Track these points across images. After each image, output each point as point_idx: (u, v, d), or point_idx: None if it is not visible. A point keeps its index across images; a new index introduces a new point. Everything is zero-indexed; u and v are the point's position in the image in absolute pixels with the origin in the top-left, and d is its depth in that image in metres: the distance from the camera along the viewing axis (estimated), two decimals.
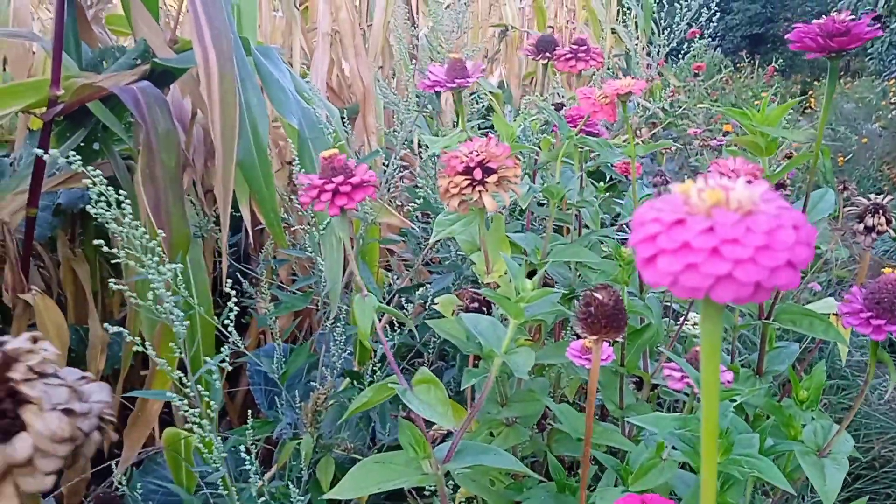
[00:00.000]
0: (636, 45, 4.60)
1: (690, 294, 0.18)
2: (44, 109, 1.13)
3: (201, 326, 1.07)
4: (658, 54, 2.00)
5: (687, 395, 0.65)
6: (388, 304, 1.12)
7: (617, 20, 4.86)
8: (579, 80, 0.84)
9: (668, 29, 2.25)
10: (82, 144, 1.26)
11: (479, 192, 0.61)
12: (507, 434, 0.70)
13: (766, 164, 0.72)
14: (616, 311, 0.42)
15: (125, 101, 1.01)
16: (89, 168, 0.77)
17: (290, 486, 0.81)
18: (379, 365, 0.94)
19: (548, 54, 0.82)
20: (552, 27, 3.71)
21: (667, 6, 2.49)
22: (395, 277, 1.13)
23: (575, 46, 0.79)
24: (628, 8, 5.50)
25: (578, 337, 0.68)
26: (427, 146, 1.03)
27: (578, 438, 0.63)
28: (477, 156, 0.62)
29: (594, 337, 0.43)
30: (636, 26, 5.19)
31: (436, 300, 0.81)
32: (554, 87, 0.95)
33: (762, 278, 0.17)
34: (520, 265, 0.52)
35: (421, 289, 0.94)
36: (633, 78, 0.66)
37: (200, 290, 1.13)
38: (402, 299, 1.17)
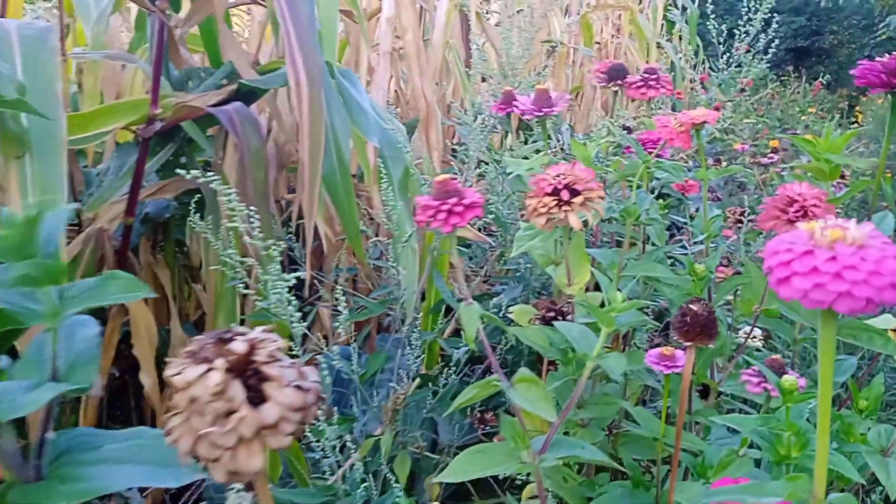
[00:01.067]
0: (680, 58, 4.62)
1: (816, 305, 0.24)
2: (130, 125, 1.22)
3: (278, 330, 1.15)
4: (719, 72, 2.03)
5: (756, 401, 0.70)
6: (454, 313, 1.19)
7: (661, 34, 4.88)
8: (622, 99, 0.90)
9: (727, 51, 2.27)
10: (170, 158, 1.36)
11: (566, 211, 0.67)
12: (583, 434, 0.76)
13: (829, 188, 0.77)
14: (709, 321, 0.48)
15: (222, 121, 1.10)
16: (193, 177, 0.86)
17: (369, 478, 0.88)
18: (454, 369, 1.01)
19: (619, 82, 0.89)
20: (598, 42, 3.76)
21: (713, 22, 2.52)
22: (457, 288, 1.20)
23: (646, 75, 0.86)
24: (673, 22, 5.51)
25: (653, 346, 0.73)
26: (503, 165, 1.10)
27: (654, 438, 0.68)
28: (563, 178, 0.68)
29: (689, 343, 0.49)
30: (680, 39, 5.21)
31: (510, 309, 0.88)
32: (618, 110, 1.01)
33: (872, 295, 0.23)
34: (610, 280, 0.58)
35: (494, 298, 1.01)
36: (705, 109, 0.71)
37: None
38: None
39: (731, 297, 0.87)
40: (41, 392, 0.36)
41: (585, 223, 0.69)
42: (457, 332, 1.22)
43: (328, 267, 1.49)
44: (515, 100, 1.03)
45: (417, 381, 1.05)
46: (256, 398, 0.32)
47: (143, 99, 1.18)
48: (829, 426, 0.29)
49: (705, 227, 0.78)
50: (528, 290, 1.10)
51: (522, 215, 1.09)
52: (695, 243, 0.82)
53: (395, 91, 2.17)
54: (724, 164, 3.15)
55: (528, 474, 0.70)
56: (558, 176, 0.68)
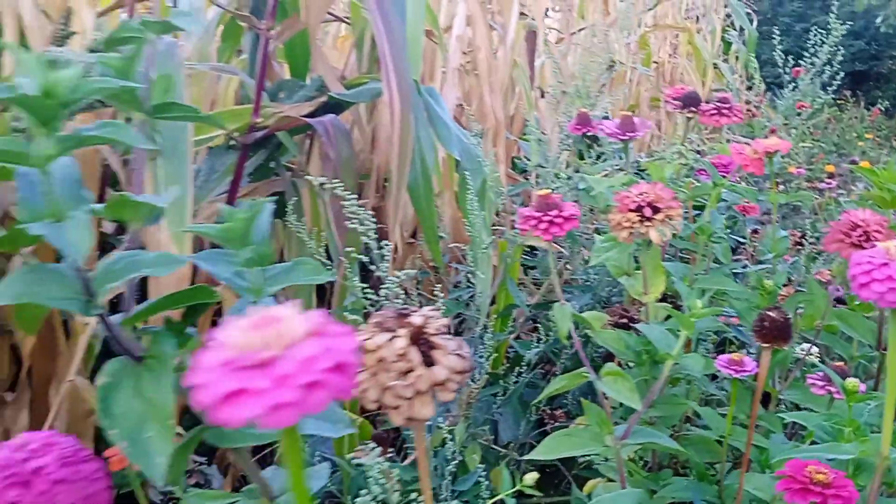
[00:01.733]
0: (735, 78, 4.62)
1: (890, 305, 0.32)
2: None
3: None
4: (783, 99, 2.08)
5: (812, 409, 0.77)
6: (525, 319, 1.27)
7: (718, 55, 4.89)
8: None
9: (787, 74, 2.30)
10: (261, 162, 1.47)
11: (647, 227, 0.75)
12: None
13: (889, 215, 0.83)
14: (785, 325, 0.55)
15: (319, 131, 1.21)
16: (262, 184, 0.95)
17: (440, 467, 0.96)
18: (525, 368, 1.09)
19: (693, 109, 0.96)
20: (656, 62, 3.81)
21: (778, 49, 2.55)
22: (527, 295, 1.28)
23: (720, 103, 0.93)
24: (729, 43, 5.50)
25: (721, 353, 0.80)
26: (574, 181, 1.17)
27: (720, 436, 0.75)
28: (646, 197, 0.76)
29: (766, 345, 0.57)
30: (736, 60, 5.20)
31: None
32: (689, 136, 1.07)
33: None
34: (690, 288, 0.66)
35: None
36: (779, 138, 0.78)
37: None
38: (534, 315, 1.31)
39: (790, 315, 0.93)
40: None
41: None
42: (534, 330, 1.30)
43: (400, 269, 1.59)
44: (590, 121, 1.11)
45: (486, 378, 1.14)
46: (428, 361, 0.41)
47: (247, 108, 1.29)
48: (895, 397, 0.36)
49: (773, 247, 0.85)
50: (595, 298, 1.17)
51: (596, 229, 1.17)
52: (760, 262, 0.89)
53: (457, 105, 2.26)
54: (781, 186, 3.17)
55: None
56: (641, 194, 0.76)
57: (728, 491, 0.76)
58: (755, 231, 1.53)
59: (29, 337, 1.06)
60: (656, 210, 0.75)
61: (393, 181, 1.14)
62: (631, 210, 0.75)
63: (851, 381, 0.54)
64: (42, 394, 1.12)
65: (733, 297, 0.80)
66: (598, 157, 1.24)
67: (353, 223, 0.80)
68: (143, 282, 0.96)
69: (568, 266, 1.26)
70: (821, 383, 0.66)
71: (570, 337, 0.68)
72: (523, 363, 1.10)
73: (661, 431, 0.83)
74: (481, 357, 1.13)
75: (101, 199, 1.22)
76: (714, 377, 1.05)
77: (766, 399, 0.90)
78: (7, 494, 0.28)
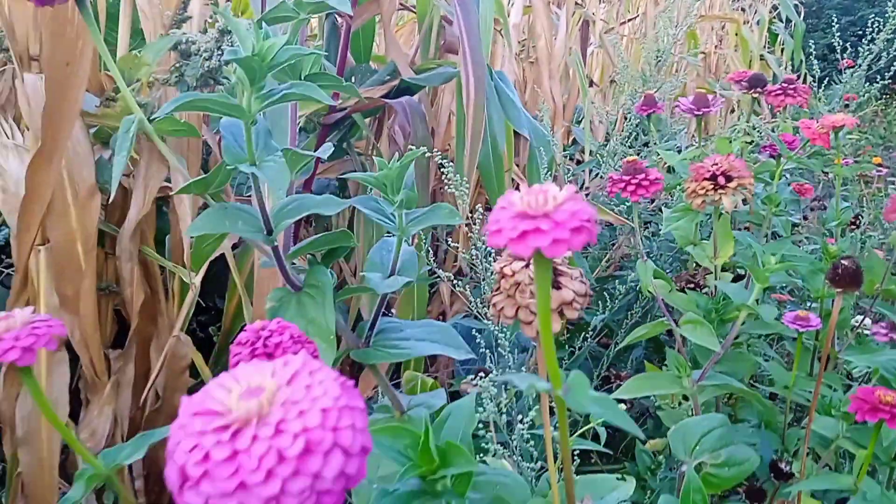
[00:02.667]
0: (782, 70, 4.60)
1: None
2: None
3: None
4: (839, 85, 2.11)
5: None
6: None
7: (764, 47, 4.86)
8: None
9: (823, 58, 2.33)
10: (335, 143, 1.56)
11: (721, 194, 0.82)
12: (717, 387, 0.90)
13: None
14: (857, 272, 0.61)
15: (399, 111, 1.29)
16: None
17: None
18: (591, 333, 1.16)
19: (759, 89, 1.02)
20: (703, 52, 3.82)
21: (837, 39, 2.57)
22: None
23: (786, 84, 0.98)
24: (776, 34, 5.46)
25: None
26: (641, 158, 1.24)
27: (785, 387, 0.82)
28: (719, 167, 0.82)
29: (839, 290, 0.63)
30: (781, 52, 5.16)
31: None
32: (753, 116, 1.13)
33: None
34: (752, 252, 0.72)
35: (632, 275, 1.16)
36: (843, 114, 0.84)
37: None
38: (596, 287, 1.38)
39: None
40: (395, 280, 0.54)
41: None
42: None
43: (456, 237, 1.66)
44: (656, 103, 1.17)
45: None
46: (556, 285, 0.49)
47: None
48: None
49: (837, 216, 0.91)
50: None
51: (658, 207, 1.23)
52: (826, 228, 0.94)
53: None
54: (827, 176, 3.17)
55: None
56: (715, 164, 0.82)
57: (790, 439, 0.83)
58: (811, 209, 1.58)
59: (138, 296, 1.16)
60: (729, 179, 0.81)
61: (466, 158, 1.22)
62: (705, 179, 0.82)
63: None
64: (144, 350, 1.23)
65: (798, 262, 0.86)
66: (660, 140, 1.30)
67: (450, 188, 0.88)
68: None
69: (630, 240, 1.32)
70: (884, 331, 0.72)
71: (649, 292, 0.76)
72: (589, 329, 1.17)
73: (728, 387, 0.90)
74: None
75: (204, 167, 1.32)
76: (772, 342, 1.11)
77: (826, 362, 0.96)
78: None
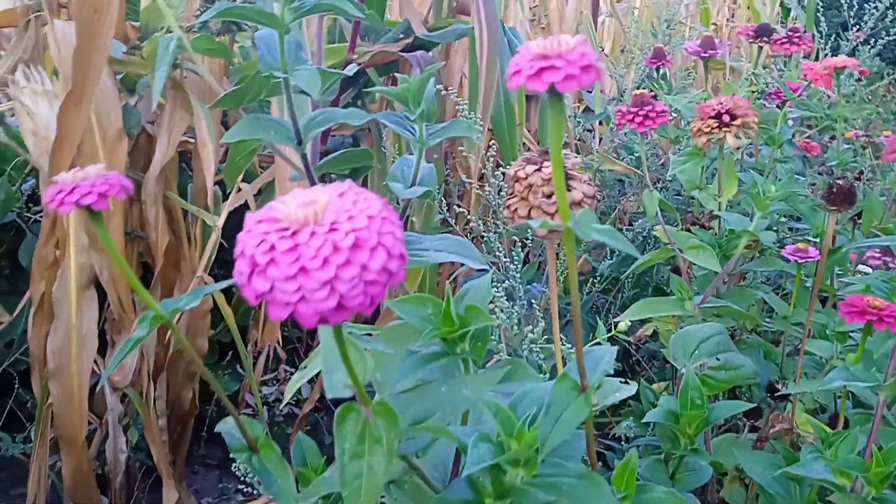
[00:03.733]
0: None
1: None
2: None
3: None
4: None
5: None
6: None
7: (777, 21, 4.84)
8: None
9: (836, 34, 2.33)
10: (350, 100, 1.60)
11: (725, 132, 0.85)
12: (720, 321, 0.94)
13: None
14: (850, 191, 0.64)
15: (414, 64, 1.32)
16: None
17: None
18: (599, 278, 1.20)
19: (765, 38, 1.05)
20: (714, 24, 3.81)
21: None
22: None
23: (791, 33, 1.01)
24: (788, 9, 5.43)
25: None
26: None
27: (783, 317, 0.85)
28: (724, 105, 0.86)
29: (833, 208, 0.66)
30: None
31: (656, 228, 1.06)
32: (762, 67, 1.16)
33: None
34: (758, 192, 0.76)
35: (638, 222, 1.19)
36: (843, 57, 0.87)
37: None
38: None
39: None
40: (416, 189, 0.58)
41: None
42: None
43: (467, 201, 1.70)
44: (665, 56, 1.20)
45: (561, 287, 1.25)
46: (567, 188, 0.53)
47: (343, 46, 1.41)
48: None
49: (838, 156, 0.94)
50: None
51: (662, 163, 1.26)
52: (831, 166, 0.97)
53: None
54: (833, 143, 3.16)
55: None
56: (720, 103, 0.85)
57: (787, 368, 0.87)
58: (818, 174, 1.61)
59: (163, 239, 1.21)
60: (734, 117, 0.85)
61: (479, 111, 1.25)
62: (711, 117, 0.85)
63: None
64: (168, 294, 1.28)
65: (799, 202, 0.89)
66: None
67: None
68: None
69: (636, 193, 1.36)
70: (878, 255, 0.76)
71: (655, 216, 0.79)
72: (596, 275, 1.21)
73: (728, 322, 0.94)
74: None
75: (224, 122, 1.37)
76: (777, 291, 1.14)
77: (823, 300, 1.00)
78: None
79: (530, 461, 0.33)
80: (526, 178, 0.53)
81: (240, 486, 1.64)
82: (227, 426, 0.43)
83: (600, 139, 1.80)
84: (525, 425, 0.35)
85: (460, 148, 1.60)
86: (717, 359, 0.62)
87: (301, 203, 0.28)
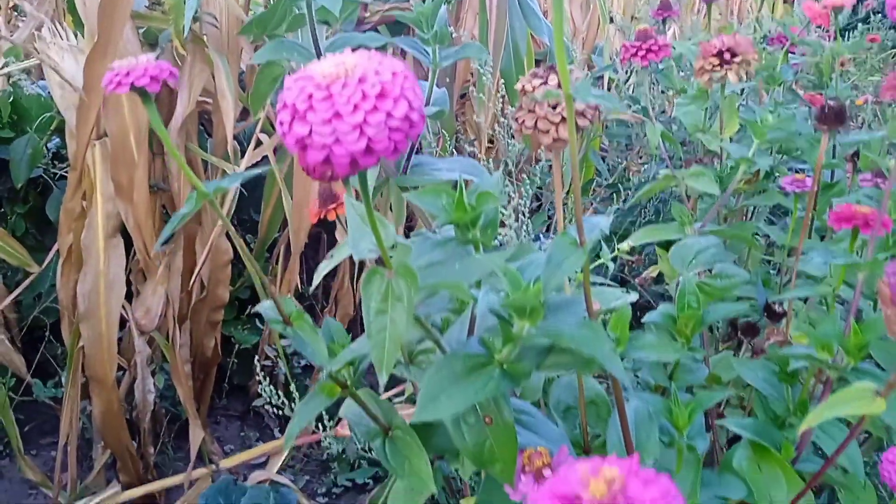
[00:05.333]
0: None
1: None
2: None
3: None
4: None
5: None
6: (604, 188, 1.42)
7: None
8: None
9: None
10: None
11: (727, 70, 0.88)
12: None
13: None
14: (841, 111, 0.68)
15: None
16: None
17: None
18: None
19: None
20: None
21: None
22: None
23: None
24: None
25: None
26: None
27: (780, 246, 0.89)
28: (725, 44, 0.89)
29: (826, 127, 0.70)
30: None
31: (661, 172, 1.09)
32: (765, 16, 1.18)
33: None
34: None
35: (644, 166, 1.23)
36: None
37: None
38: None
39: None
40: (429, 108, 0.62)
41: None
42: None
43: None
44: (671, 7, 1.22)
45: None
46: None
47: (356, 3, 1.44)
48: None
49: (838, 92, 0.97)
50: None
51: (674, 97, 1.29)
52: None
53: None
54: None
55: None
56: (722, 42, 0.89)
57: (785, 293, 0.91)
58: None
59: (185, 189, 1.26)
60: (734, 55, 0.88)
61: (488, 63, 1.29)
62: (712, 55, 0.88)
63: (892, 161, 0.67)
64: (190, 246, 1.33)
65: (797, 135, 0.93)
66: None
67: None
68: None
69: (642, 147, 1.39)
70: (870, 177, 0.79)
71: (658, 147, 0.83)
72: None
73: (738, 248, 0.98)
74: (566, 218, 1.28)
75: (240, 83, 1.40)
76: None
77: (823, 238, 1.03)
78: None
79: (535, 311, 0.38)
80: (533, 91, 0.56)
81: (260, 435, 1.70)
82: (264, 306, 0.48)
83: (608, 89, 1.83)
84: (530, 284, 0.39)
85: (469, 106, 1.64)
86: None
87: (333, 63, 0.32)
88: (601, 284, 0.71)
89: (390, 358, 0.39)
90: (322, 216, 0.67)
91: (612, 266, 0.74)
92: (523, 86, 0.58)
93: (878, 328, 0.45)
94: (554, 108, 0.56)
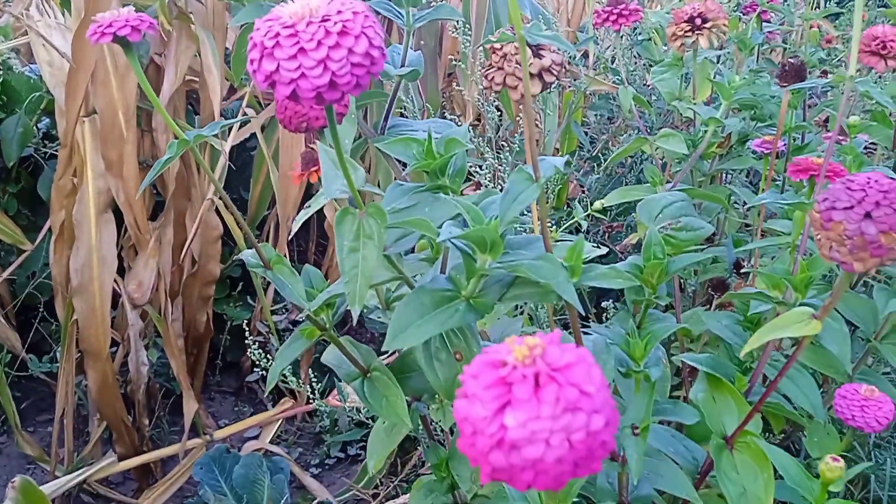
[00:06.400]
0: None
1: None
2: None
3: None
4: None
5: None
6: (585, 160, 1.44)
7: None
8: None
9: None
10: None
11: (698, 34, 0.91)
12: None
13: None
14: (801, 67, 0.70)
15: None
16: None
17: None
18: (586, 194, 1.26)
19: None
20: None
21: None
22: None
23: None
24: None
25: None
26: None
27: (750, 207, 0.92)
28: (696, 9, 0.91)
29: (785, 84, 0.73)
30: None
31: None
32: None
33: None
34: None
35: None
36: None
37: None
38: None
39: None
40: (404, 69, 0.65)
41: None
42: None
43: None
44: None
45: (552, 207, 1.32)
46: (538, 55, 0.59)
47: None
48: None
49: (806, 56, 1.00)
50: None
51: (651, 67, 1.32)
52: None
53: None
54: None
55: None
56: (693, 8, 0.91)
57: (753, 252, 0.94)
58: None
59: (173, 165, 1.28)
60: (705, 20, 0.90)
61: (472, 35, 1.31)
62: (684, 21, 0.91)
63: (854, 118, 0.70)
64: (180, 221, 1.35)
65: (768, 100, 0.96)
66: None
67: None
68: None
69: (624, 119, 1.42)
70: (833, 134, 0.82)
71: (630, 110, 0.86)
72: (584, 189, 1.27)
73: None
74: (547, 190, 1.31)
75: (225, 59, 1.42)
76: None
77: None
78: None
79: (495, 244, 0.40)
80: (501, 49, 0.59)
81: (254, 411, 1.73)
82: (246, 253, 0.51)
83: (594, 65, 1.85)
84: (490, 220, 0.42)
85: (455, 85, 1.66)
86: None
87: (299, 4, 0.35)
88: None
89: (362, 292, 0.41)
90: (305, 178, 0.70)
91: (584, 224, 0.77)
92: (492, 45, 0.60)
93: (822, 262, 0.48)
94: (521, 64, 0.59)
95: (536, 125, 1.39)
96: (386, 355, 0.83)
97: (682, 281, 1.10)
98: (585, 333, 0.51)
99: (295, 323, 1.71)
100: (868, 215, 0.35)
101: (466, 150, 0.54)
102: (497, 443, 0.21)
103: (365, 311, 0.55)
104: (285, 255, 1.50)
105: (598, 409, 0.21)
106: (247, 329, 1.20)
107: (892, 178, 0.36)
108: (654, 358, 0.48)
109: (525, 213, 0.92)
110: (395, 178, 0.73)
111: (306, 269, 0.53)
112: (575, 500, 0.43)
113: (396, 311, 0.43)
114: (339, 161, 0.41)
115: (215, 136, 1.23)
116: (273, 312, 1.70)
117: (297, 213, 1.42)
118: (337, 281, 0.50)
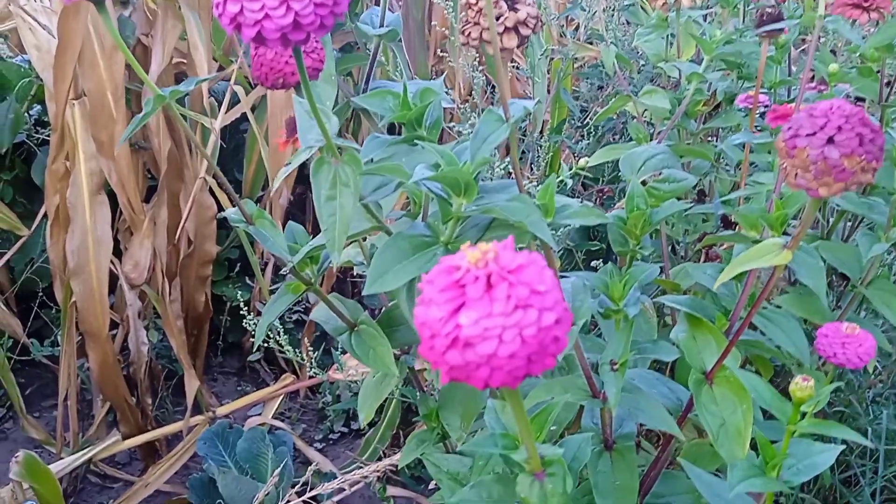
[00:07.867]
0: None
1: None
2: None
3: None
4: None
5: None
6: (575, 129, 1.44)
7: None
8: None
9: None
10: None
11: None
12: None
13: None
14: (778, 16, 0.71)
15: None
16: None
17: None
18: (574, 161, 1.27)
19: None
20: None
21: None
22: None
23: None
24: None
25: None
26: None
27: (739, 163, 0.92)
28: None
29: (764, 35, 0.73)
30: None
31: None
32: None
33: None
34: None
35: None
36: None
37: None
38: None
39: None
40: (383, 29, 0.65)
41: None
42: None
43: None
44: None
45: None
46: (513, 8, 0.59)
47: None
48: None
49: (790, 15, 0.99)
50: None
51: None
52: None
53: None
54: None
55: None
56: None
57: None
58: None
59: (164, 145, 1.28)
60: None
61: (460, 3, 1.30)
62: None
63: (833, 66, 0.70)
64: (174, 201, 1.36)
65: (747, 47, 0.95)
66: None
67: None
68: None
69: (613, 86, 1.42)
70: (814, 85, 0.83)
71: (613, 66, 0.86)
72: (574, 155, 1.28)
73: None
74: (538, 158, 1.31)
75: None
76: None
77: None
78: None
79: (469, 187, 0.41)
80: (476, 3, 0.59)
81: (256, 390, 1.74)
82: (228, 212, 0.51)
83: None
84: (463, 163, 0.42)
85: (449, 62, 1.66)
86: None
87: None
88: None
89: (341, 238, 0.42)
90: (290, 144, 0.70)
91: (571, 183, 0.77)
92: (467, 0, 0.60)
93: (797, 199, 0.49)
94: (497, 18, 0.59)
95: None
96: None
97: (673, 242, 1.11)
98: (564, 277, 0.51)
99: None
100: (831, 140, 0.36)
101: (447, 109, 0.55)
102: (452, 342, 0.22)
103: (350, 267, 0.56)
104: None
105: (549, 307, 0.22)
106: (246, 308, 1.21)
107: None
108: (633, 298, 0.49)
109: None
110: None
111: (290, 226, 0.54)
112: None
113: (376, 255, 0.44)
114: (312, 110, 0.41)
115: (205, 115, 1.23)
116: (271, 292, 1.71)
117: (290, 185, 1.42)
118: (319, 235, 0.51)
